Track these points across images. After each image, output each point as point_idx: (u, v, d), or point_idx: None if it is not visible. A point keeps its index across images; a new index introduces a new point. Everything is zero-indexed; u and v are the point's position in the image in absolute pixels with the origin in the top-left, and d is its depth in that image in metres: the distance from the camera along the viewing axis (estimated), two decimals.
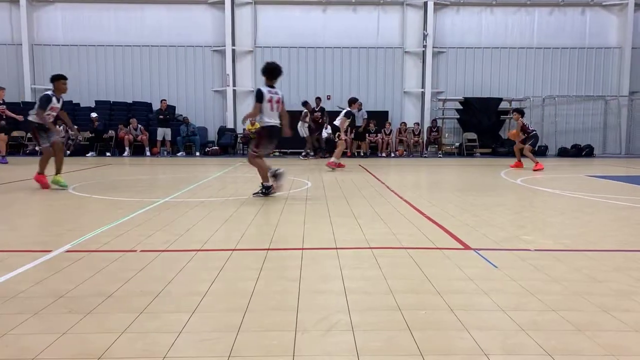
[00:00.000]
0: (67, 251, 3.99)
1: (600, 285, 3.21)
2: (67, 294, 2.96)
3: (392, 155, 18.06)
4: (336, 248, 4.17)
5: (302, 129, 16.10)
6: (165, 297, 2.95)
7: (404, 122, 18.62)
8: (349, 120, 12.03)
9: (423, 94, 19.12)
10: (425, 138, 18.55)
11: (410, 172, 12.27)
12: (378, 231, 4.86)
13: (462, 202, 6.75)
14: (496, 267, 3.58)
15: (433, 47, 18.85)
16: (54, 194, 7.42)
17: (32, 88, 18.67)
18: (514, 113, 13.13)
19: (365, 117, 17.35)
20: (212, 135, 18.81)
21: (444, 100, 18.96)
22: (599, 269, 3.58)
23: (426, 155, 18.28)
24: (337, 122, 11.97)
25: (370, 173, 11.20)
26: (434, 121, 18.72)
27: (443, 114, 19.12)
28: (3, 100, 13.30)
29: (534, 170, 11.85)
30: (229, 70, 18.68)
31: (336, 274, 3.43)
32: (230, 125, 18.93)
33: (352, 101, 12.23)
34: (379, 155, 17.93)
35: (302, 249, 4.16)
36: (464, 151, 18.55)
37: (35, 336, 2.37)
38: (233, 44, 18.65)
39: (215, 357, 2.17)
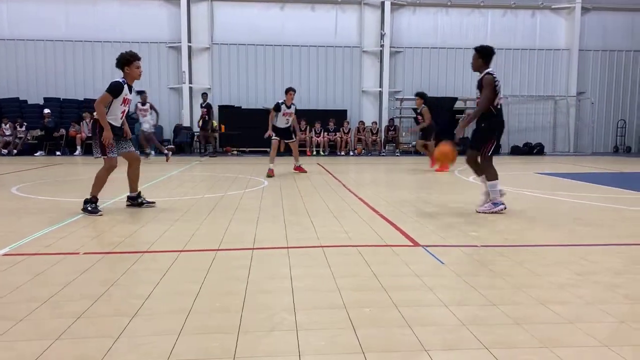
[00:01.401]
0: (4, 255, 3.81)
1: (540, 279, 3.31)
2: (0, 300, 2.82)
3: (351, 153, 18.17)
4: (287, 247, 4.15)
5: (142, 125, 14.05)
6: (105, 300, 2.85)
7: (362, 121, 18.78)
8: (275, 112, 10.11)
9: (381, 93, 19.31)
10: (383, 137, 18.76)
11: (367, 171, 12.37)
12: (330, 229, 4.87)
13: (416, 200, 6.85)
14: (443, 263, 3.65)
15: (390, 47, 19.06)
16: None
17: None
18: (417, 98, 12.06)
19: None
20: (168, 134, 18.43)
21: (401, 100, 19.22)
22: (540, 263, 3.70)
23: (384, 153, 18.48)
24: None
25: (328, 172, 11.23)
26: (391, 120, 18.96)
27: (400, 113, 19.37)
28: None
29: (433, 167, 11.19)
30: (185, 68, 18.33)
31: (285, 273, 3.41)
32: (186, 123, 18.59)
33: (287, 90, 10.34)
34: (338, 153, 18.01)
35: (253, 248, 4.11)
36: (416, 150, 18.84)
37: None
38: (189, 40, 18.31)
39: None
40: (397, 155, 17.96)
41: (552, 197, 7.22)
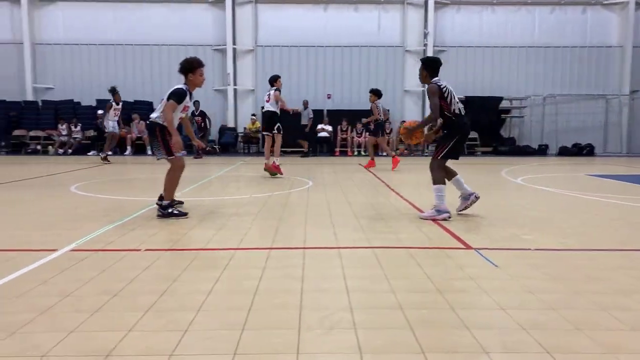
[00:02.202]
0: (72, 250, 4.03)
1: (599, 283, 3.24)
2: (73, 293, 3.00)
3: (394, 153, 18.05)
4: (337, 247, 4.21)
5: (107, 123, 13.59)
6: (170, 295, 2.99)
7: (405, 121, 18.64)
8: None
9: (424, 92, 19.13)
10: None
11: (411, 171, 12.30)
12: (379, 230, 4.90)
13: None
14: (497, 266, 3.62)
15: (434, 46, 18.86)
16: (57, 194, 7.46)
17: (33, 87, 18.69)
18: (370, 95, 12.09)
19: (311, 116, 17.35)
20: (214, 134, 18.84)
21: None
22: (598, 267, 3.62)
23: (427, 153, 18.30)
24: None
25: (371, 172, 11.23)
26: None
27: None
28: None
29: (367, 167, 11.91)
30: (230, 69, 18.71)
31: (338, 273, 3.47)
32: (231, 124, 18.96)
33: (274, 79, 10.27)
34: (380, 154, 17.96)
35: (304, 248, 4.20)
36: (465, 150, 18.56)
37: (44, 334, 2.41)
38: (234, 43, 18.68)
39: (221, 355, 2.21)
40: None
41: (605, 200, 7.00)
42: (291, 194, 7.49)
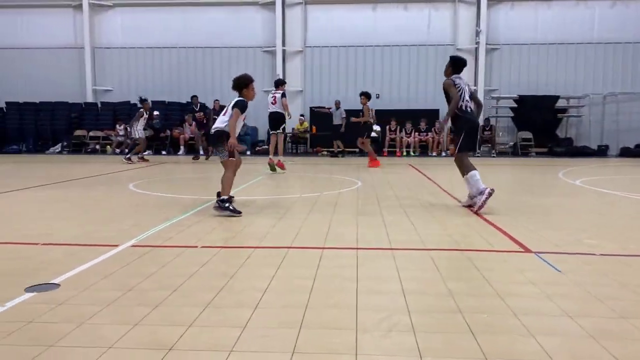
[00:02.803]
0: (133, 246, 4.17)
1: None
2: (135, 287, 3.10)
3: (443, 154, 17.76)
4: (391, 249, 4.16)
5: (135, 130, 13.75)
6: (227, 292, 3.04)
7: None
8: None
9: (475, 91, 18.68)
10: (478, 137, 18.12)
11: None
12: (433, 232, 4.81)
13: (518, 204, 6.57)
14: (559, 271, 3.47)
15: (486, 44, 18.40)
16: (116, 192, 7.76)
17: (93, 89, 19.57)
18: (361, 97, 12.46)
19: (344, 115, 17.14)
20: (263, 135, 19.10)
21: (498, 99, 18.48)
22: None
23: (479, 154, 17.86)
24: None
25: (421, 172, 11.07)
26: (487, 120, 18.26)
27: (497, 113, 18.63)
28: None
29: (370, 167, 12.03)
30: (279, 70, 18.91)
31: (392, 274, 3.42)
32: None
33: (280, 83, 11.25)
34: (429, 154, 17.69)
35: (357, 248, 4.17)
36: (519, 151, 18.01)
37: (110, 326, 2.50)
38: (283, 44, 18.87)
39: (280, 353, 2.22)
40: (494, 156, 17.29)
41: None
42: (341, 194, 7.48)
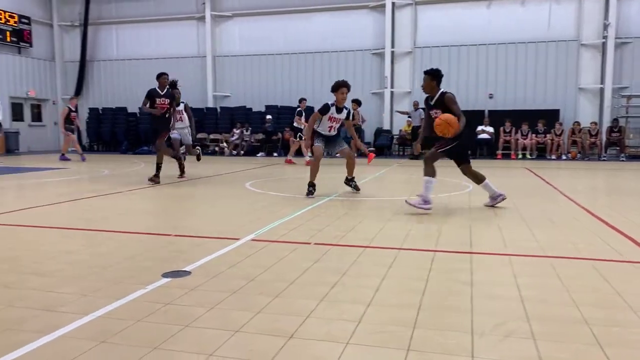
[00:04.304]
0: (252, 240, 4.45)
1: None
2: (256, 278, 3.32)
3: (563, 157, 16.54)
4: (508, 254, 4.00)
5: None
6: (340, 287, 3.14)
7: (578, 122, 16.91)
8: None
9: (602, 90, 17.18)
10: (604, 139, 16.65)
11: (586, 176, 11.15)
12: (553, 238, 4.54)
13: None
14: None
15: (615, 38, 16.82)
16: (235, 190, 8.29)
17: (213, 95, 21.00)
18: (353, 103, 14.06)
19: (423, 116, 16.25)
20: (369, 137, 19.20)
21: (629, 97, 16.81)
22: None
23: (605, 158, 16.39)
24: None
25: (539, 176, 10.43)
26: (615, 120, 16.69)
27: (627, 112, 16.96)
28: (75, 107, 15.25)
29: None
30: (387, 72, 18.88)
31: (509, 280, 3.30)
32: (386, 126, 19.13)
33: (300, 100, 14.02)
34: (547, 157, 16.58)
35: (471, 252, 4.07)
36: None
37: (237, 312, 2.72)
38: (392, 46, 18.81)
39: (395, 349, 2.26)
40: (622, 160, 15.77)
41: None
42: (451, 197, 7.31)
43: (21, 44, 20.75)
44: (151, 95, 9.00)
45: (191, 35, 21.11)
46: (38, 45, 21.65)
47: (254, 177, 10.41)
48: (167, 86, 9.17)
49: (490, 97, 18.06)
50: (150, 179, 8.71)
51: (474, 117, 17.16)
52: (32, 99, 21.76)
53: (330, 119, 7.26)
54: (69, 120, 15.20)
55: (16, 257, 3.94)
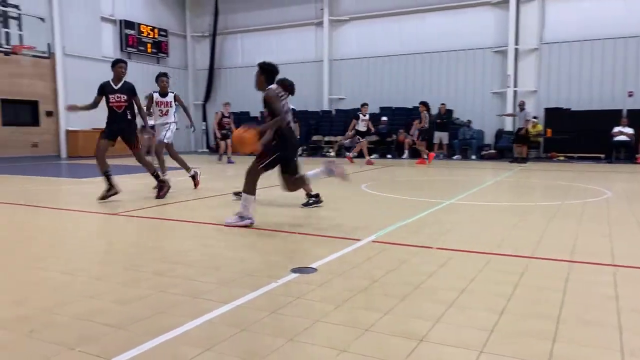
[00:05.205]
0: (373, 241, 4.49)
1: None
2: (380, 279, 3.34)
3: None
4: None
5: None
6: (469, 294, 3.05)
7: None
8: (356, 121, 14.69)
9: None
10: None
11: None
12: None
13: None
14: None
15: None
16: (352, 192, 8.40)
17: (328, 98, 21.47)
18: (421, 105, 14.58)
19: (529, 118, 15.27)
20: (489, 139, 18.36)
21: None
22: None
23: None
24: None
25: None
26: None
27: None
28: (229, 113, 15.63)
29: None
30: (510, 71, 17.91)
31: None
32: (508, 128, 18.14)
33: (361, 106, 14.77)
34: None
35: (612, 265, 3.73)
36: None
37: (364, 311, 2.76)
38: (516, 43, 17.80)
39: None
40: None
41: None
42: (586, 204, 6.74)
43: (159, 54, 22.91)
44: (102, 91, 6.99)
45: (309, 41, 21.77)
46: (173, 55, 23.74)
47: (369, 179, 10.46)
48: (124, 78, 7.12)
49: (630, 95, 16.35)
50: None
51: (609, 117, 15.70)
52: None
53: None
54: (221, 126, 15.85)
55: (161, 247, 4.37)
